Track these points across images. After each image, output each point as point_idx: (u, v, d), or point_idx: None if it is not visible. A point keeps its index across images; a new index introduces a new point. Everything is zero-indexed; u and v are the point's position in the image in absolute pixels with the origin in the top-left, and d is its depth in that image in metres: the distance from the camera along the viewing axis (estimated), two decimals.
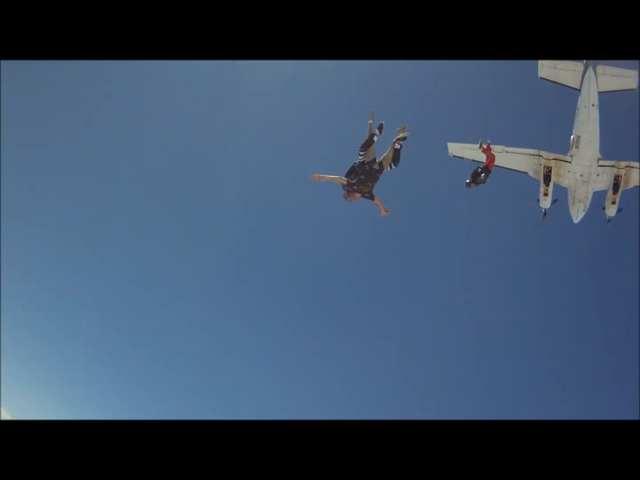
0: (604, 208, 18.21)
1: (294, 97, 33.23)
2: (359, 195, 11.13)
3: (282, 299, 38.10)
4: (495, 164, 16.57)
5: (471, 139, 17.64)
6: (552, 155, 17.78)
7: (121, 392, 38.24)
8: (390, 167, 11.40)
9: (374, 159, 11.26)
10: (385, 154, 11.46)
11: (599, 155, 17.23)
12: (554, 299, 32.97)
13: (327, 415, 33.28)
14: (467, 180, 15.01)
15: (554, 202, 18.47)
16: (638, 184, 17.59)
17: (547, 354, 34.28)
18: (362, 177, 11.02)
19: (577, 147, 17.05)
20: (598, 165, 17.34)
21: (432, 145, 24.02)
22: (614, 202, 17.84)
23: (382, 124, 11.27)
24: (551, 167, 17.76)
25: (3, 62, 22.56)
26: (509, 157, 17.91)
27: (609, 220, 18.31)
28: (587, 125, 16.61)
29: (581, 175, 17.61)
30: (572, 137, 17.18)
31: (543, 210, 18.69)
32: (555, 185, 18.14)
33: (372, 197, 11.31)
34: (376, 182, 11.26)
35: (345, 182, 11.00)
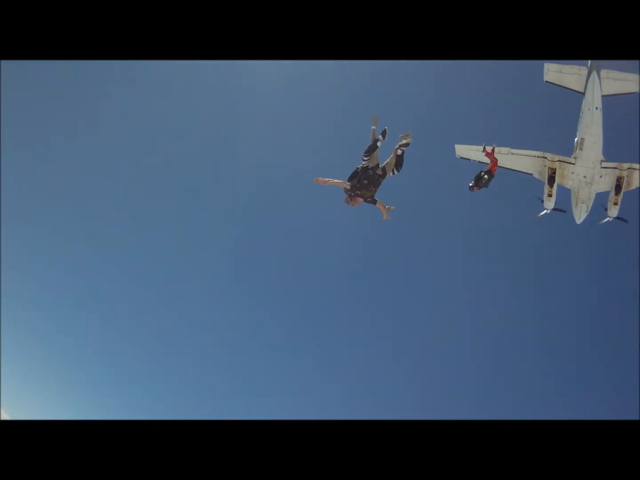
0: (606, 209, 18.46)
1: (294, 97, 33.25)
2: (361, 199, 11.20)
3: (282, 299, 38.14)
4: (501, 165, 17.18)
5: (476, 141, 17.98)
6: (557, 157, 18.12)
7: (121, 392, 38.27)
8: (393, 173, 11.53)
9: (377, 164, 11.33)
10: (388, 160, 11.55)
11: (602, 157, 17.55)
12: (554, 298, 33.01)
13: (327, 415, 33.30)
14: (470, 184, 15.44)
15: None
16: (639, 186, 17.87)
17: (547, 354, 34.31)
18: (365, 182, 11.10)
19: (580, 149, 17.41)
20: (601, 167, 17.67)
21: (435, 146, 24.14)
22: (616, 203, 18.13)
23: (385, 129, 11.37)
24: (555, 169, 18.10)
25: (3, 62, 22.54)
26: (515, 159, 18.28)
27: (607, 219, 18.46)
28: (591, 128, 16.98)
29: (584, 177, 17.94)
30: (576, 139, 17.52)
31: (546, 210, 18.87)
32: (559, 187, 18.44)
33: (374, 202, 11.39)
34: (379, 187, 11.31)
35: (348, 187, 11.06)
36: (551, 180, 18.20)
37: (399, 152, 11.48)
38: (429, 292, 35.38)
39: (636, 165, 17.65)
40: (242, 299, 38.75)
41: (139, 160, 35.13)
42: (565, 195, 18.76)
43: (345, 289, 37.33)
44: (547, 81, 17.48)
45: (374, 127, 11.53)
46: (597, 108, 16.70)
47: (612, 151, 17.69)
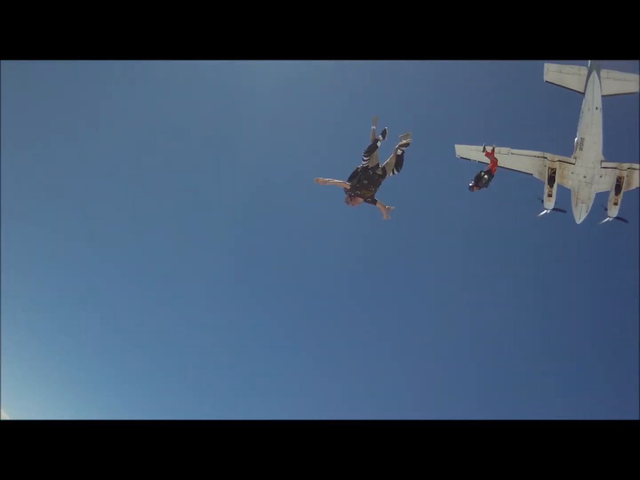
0: (606, 209, 18.50)
1: (294, 97, 33.25)
2: (361, 199, 11.21)
3: (282, 299, 38.13)
4: (501, 165, 17.29)
5: (476, 141, 18.03)
6: (557, 157, 18.16)
7: (121, 392, 38.27)
8: (393, 173, 11.53)
9: (377, 164, 11.33)
10: (388, 160, 11.56)
11: (602, 157, 17.59)
12: (554, 298, 33.00)
13: (327, 416, 33.30)
14: (470, 184, 15.52)
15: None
16: (639, 186, 17.92)
17: (547, 354, 34.31)
18: (365, 182, 11.11)
19: (580, 149, 17.45)
20: (601, 167, 17.70)
21: (435, 146, 24.16)
22: (616, 203, 18.17)
23: (385, 129, 11.38)
24: (555, 169, 18.14)
25: (3, 62, 22.54)
26: (515, 159, 18.34)
27: (607, 219, 18.51)
28: (591, 128, 17.02)
29: (584, 177, 17.98)
30: (576, 139, 17.55)
31: (546, 210, 18.91)
32: (559, 187, 18.49)
33: (374, 202, 11.40)
34: (379, 187, 11.32)
35: (348, 187, 11.06)
36: (551, 180, 18.25)
37: (399, 152, 11.49)
38: (429, 292, 35.41)
39: (636, 165, 17.68)
40: (242, 299, 38.78)
41: (139, 160, 35.16)
42: (565, 195, 18.80)
43: (345, 289, 37.36)
44: (547, 81, 17.53)
45: (374, 127, 11.54)
46: (597, 108, 16.74)
47: (612, 151, 17.77)
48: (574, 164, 17.82)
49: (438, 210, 31.82)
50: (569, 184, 18.37)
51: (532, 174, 18.59)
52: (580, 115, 17.17)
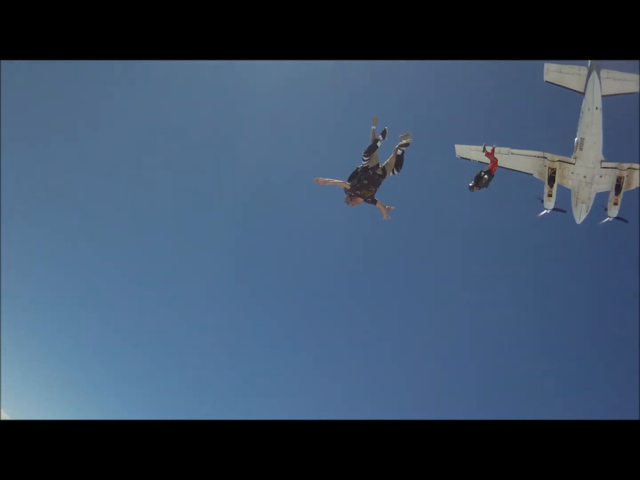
0: (606, 209, 18.53)
1: (294, 97, 33.25)
2: (361, 199, 11.21)
3: (282, 299, 38.13)
4: (501, 165, 17.39)
5: (476, 141, 18.07)
6: (557, 157, 18.19)
7: (121, 392, 38.27)
8: (393, 173, 11.54)
9: (377, 164, 11.33)
10: (388, 160, 11.56)
11: (602, 157, 17.62)
12: (554, 298, 33.00)
13: (327, 416, 33.30)
14: (470, 184, 15.58)
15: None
16: (639, 186, 17.94)
17: (547, 354, 34.31)
18: (365, 182, 11.11)
19: (580, 149, 17.48)
20: (601, 167, 17.73)
21: (435, 146, 24.17)
22: (615, 203, 18.21)
23: (385, 129, 11.38)
24: (555, 169, 18.17)
25: (3, 62, 22.54)
26: (515, 159, 18.38)
27: (607, 219, 18.54)
28: (591, 128, 17.04)
29: (584, 177, 18.01)
30: (576, 139, 17.58)
31: (546, 210, 18.94)
32: (559, 187, 18.52)
33: (374, 202, 11.40)
34: (379, 187, 11.32)
35: (348, 187, 11.06)
36: (551, 180, 18.28)
37: (399, 152, 11.50)
38: (429, 292, 35.40)
39: (636, 165, 17.71)
40: (242, 299, 38.78)
41: (139, 160, 35.17)
42: (565, 195, 18.82)
43: (345, 289, 37.36)
44: (547, 81, 17.56)
45: (374, 127, 11.53)
46: (597, 108, 16.76)
47: (612, 151, 17.80)
48: (574, 164, 17.84)
49: (438, 210, 31.86)
50: (569, 184, 18.40)
51: (532, 174, 18.62)
52: (580, 115, 17.19)
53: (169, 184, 36.56)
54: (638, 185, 17.94)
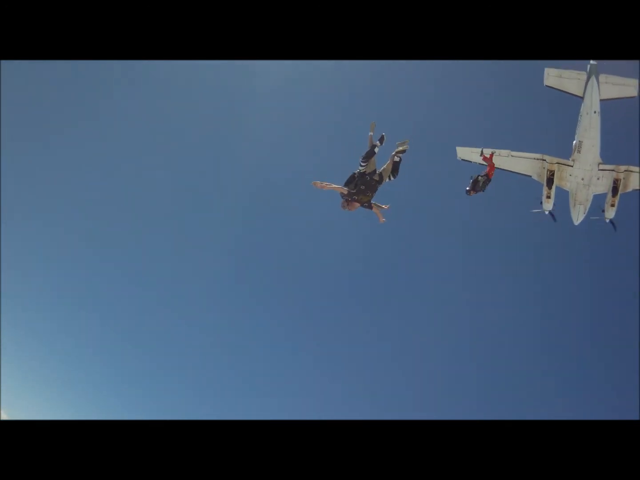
0: (603, 210, 18.78)
1: (294, 97, 33.26)
2: (358, 204, 11.26)
3: (282, 299, 38.13)
4: (501, 167, 17.89)
5: (476, 142, 18.37)
6: (555, 160, 18.41)
7: (121, 392, 38.25)
8: (389, 179, 11.60)
9: (375, 170, 11.38)
10: (385, 166, 11.63)
11: (599, 159, 17.84)
12: (554, 298, 33.01)
13: (327, 416, 33.30)
14: (467, 188, 15.78)
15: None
16: (636, 188, 18.20)
17: (547, 354, 34.31)
18: (363, 187, 11.15)
19: (579, 152, 17.72)
20: (598, 169, 17.97)
21: (435, 146, 24.17)
22: (613, 205, 18.49)
23: (383, 135, 11.46)
24: (554, 171, 18.42)
25: (3, 62, 22.55)
26: (515, 161, 18.62)
27: (611, 222, 18.70)
28: (589, 131, 17.30)
29: (582, 179, 18.23)
30: (574, 142, 17.79)
31: (546, 212, 19.13)
32: (557, 188, 18.74)
33: (370, 207, 11.46)
34: (375, 192, 11.38)
35: (346, 192, 11.11)
36: (550, 182, 18.53)
37: (396, 158, 11.58)
38: (429, 293, 35.40)
39: (633, 168, 17.95)
40: (242, 299, 38.74)
41: (139, 160, 35.12)
42: (563, 196, 18.98)
43: (345, 289, 37.33)
44: (547, 85, 17.82)
45: (372, 133, 11.56)
46: (595, 112, 17.01)
47: (610, 154, 18.01)
48: (572, 166, 18.09)
49: (438, 211, 31.85)
50: (567, 185, 18.63)
51: (531, 176, 18.84)
52: (579, 118, 17.41)
53: (169, 184, 36.56)
54: (634, 188, 18.19)
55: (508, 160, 18.39)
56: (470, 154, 18.42)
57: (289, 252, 36.16)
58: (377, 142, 11.38)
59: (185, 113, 34.11)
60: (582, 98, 17.29)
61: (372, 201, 11.40)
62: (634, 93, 17.16)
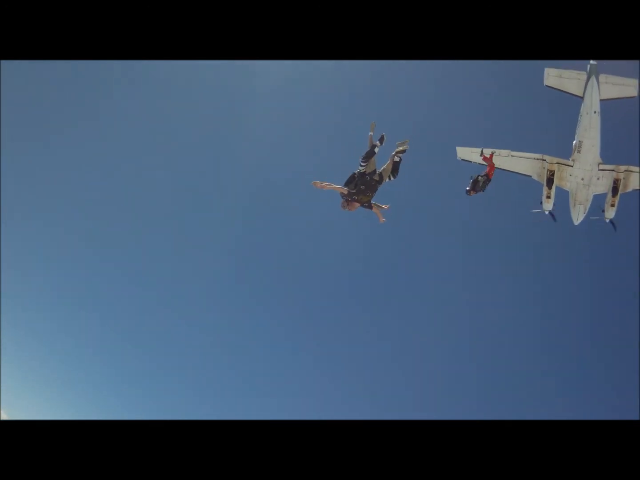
0: (603, 210, 18.80)
1: (294, 97, 33.27)
2: (358, 204, 11.27)
3: (282, 299, 38.13)
4: (501, 167, 17.96)
5: (476, 142, 18.39)
6: (555, 160, 18.41)
7: (121, 392, 38.25)
8: (389, 179, 11.61)
9: (375, 170, 11.38)
10: (385, 166, 11.63)
11: (599, 159, 17.85)
12: (554, 298, 33.02)
13: (327, 416, 33.30)
14: (467, 188, 15.87)
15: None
16: (636, 188, 18.21)
17: (547, 354, 34.31)
18: (363, 187, 11.16)
19: (579, 152, 17.73)
20: (598, 169, 17.98)
21: (435, 146, 24.17)
22: (613, 205, 18.49)
23: (383, 135, 11.46)
24: (554, 171, 18.43)
25: (3, 62, 22.55)
26: (515, 161, 18.64)
27: (611, 222, 18.72)
28: (589, 131, 17.30)
29: (582, 179, 18.24)
30: (574, 142, 17.80)
31: (546, 212, 19.16)
32: (557, 188, 18.76)
33: (370, 207, 11.46)
34: (375, 192, 11.38)
35: (346, 192, 11.11)
36: (550, 182, 18.54)
37: (396, 158, 11.58)
38: (429, 293, 35.40)
39: (633, 168, 17.96)
40: (242, 299, 38.74)
41: (139, 160, 35.12)
42: (563, 196, 18.98)
43: (345, 289, 37.33)
44: (547, 85, 17.84)
45: (372, 133, 11.56)
46: (595, 112, 17.02)
47: (610, 154, 18.02)
48: (572, 166, 18.09)
49: (438, 211, 31.86)
50: (567, 185, 18.64)
51: (531, 176, 18.86)
52: (579, 118, 17.42)
53: (169, 184, 36.56)
54: (634, 188, 18.20)
55: (508, 160, 18.42)
56: (470, 154, 18.45)
57: (289, 252, 36.17)
58: (377, 142, 11.39)
59: (185, 113, 34.13)
60: (582, 98, 17.30)
61: (372, 201, 11.41)
62: (634, 93, 17.19)
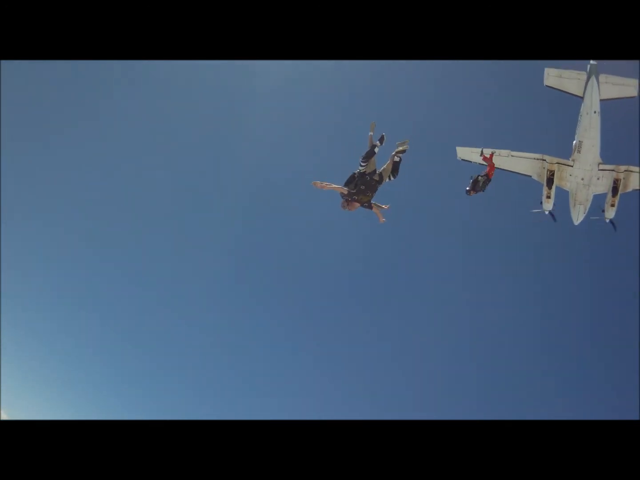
0: (603, 210, 18.83)
1: (294, 97, 33.27)
2: (358, 204, 11.28)
3: (282, 299, 38.13)
4: (501, 167, 18.04)
5: (476, 142, 18.43)
6: (555, 160, 18.45)
7: (121, 392, 38.25)
8: (389, 179, 11.61)
9: (375, 170, 11.39)
10: (384, 166, 11.64)
11: (599, 159, 17.88)
12: (554, 298, 33.02)
13: (327, 416, 33.29)
14: (467, 188, 15.92)
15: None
16: (636, 188, 18.24)
17: (547, 354, 34.31)
18: (363, 187, 11.17)
19: (579, 152, 17.75)
20: (598, 169, 18.01)
21: (435, 146, 24.17)
22: (613, 205, 18.54)
23: (383, 135, 11.47)
24: (554, 171, 18.47)
25: (3, 62, 22.55)
26: (515, 161, 18.69)
27: (611, 222, 18.78)
28: (589, 132, 17.34)
29: (582, 179, 18.27)
30: (574, 142, 17.83)
31: (546, 212, 19.19)
32: (557, 188, 18.79)
33: (370, 207, 11.47)
34: (375, 192, 11.39)
35: (346, 192, 11.12)
36: (550, 182, 18.57)
37: (396, 158, 11.58)
38: (429, 293, 35.41)
39: (633, 168, 17.98)
40: (242, 299, 38.74)
41: (139, 160, 35.12)
42: (563, 196, 18.99)
43: (345, 289, 37.33)
44: (547, 85, 17.86)
45: (372, 133, 11.57)
46: (595, 112, 17.04)
47: (610, 154, 18.05)
48: (572, 166, 18.12)
49: (438, 211, 31.86)
50: (567, 185, 18.67)
51: (531, 176, 18.89)
52: (579, 118, 17.44)
53: (169, 184, 36.56)
54: (634, 188, 18.23)
55: (508, 160, 18.46)
56: (470, 154, 18.48)
57: (289, 252, 36.17)
58: (377, 142, 11.39)
59: (185, 113, 34.13)
60: (582, 98, 17.32)
61: (372, 201, 11.41)
62: (634, 93, 17.22)
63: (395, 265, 35.33)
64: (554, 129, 24.20)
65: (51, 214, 36.46)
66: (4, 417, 30.01)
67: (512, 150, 18.48)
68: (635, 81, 17.07)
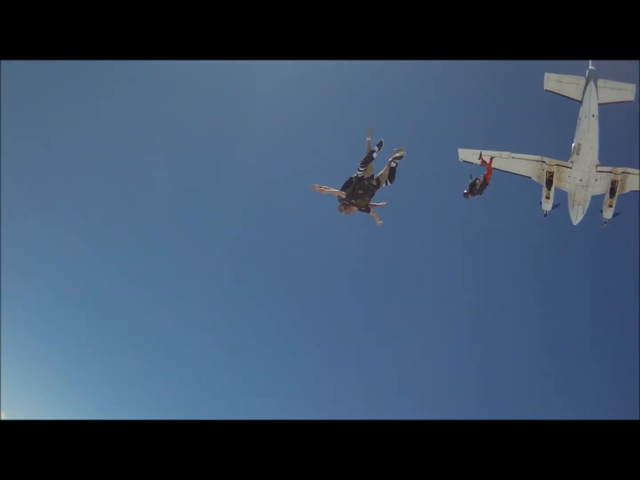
0: (601, 211, 19.08)
1: (294, 97, 33.28)
2: (355, 208, 11.40)
3: (282, 299, 38.14)
4: (502, 168, 18.35)
5: (476, 144, 18.65)
6: (554, 161, 18.70)
7: (121, 392, 38.25)
8: (386, 184, 11.70)
9: (372, 175, 11.50)
10: (381, 171, 11.72)
11: (597, 161, 18.14)
12: (553, 299, 33.03)
13: (327, 416, 33.30)
14: (465, 191, 16.08)
15: (555, 206, 19.28)
16: (633, 189, 18.48)
17: (547, 354, 34.32)
18: (360, 192, 11.29)
19: (577, 154, 18.03)
20: (597, 171, 18.27)
21: (435, 146, 24.20)
22: (610, 206, 18.81)
23: (381, 141, 11.54)
24: (553, 172, 18.73)
25: (3, 62, 22.56)
26: (515, 163, 18.94)
27: (605, 222, 19.03)
28: (588, 134, 17.62)
29: (581, 180, 18.54)
30: (573, 144, 18.09)
31: (544, 212, 19.33)
32: (556, 189, 19.05)
33: (367, 210, 11.58)
34: (373, 196, 11.50)
35: (344, 196, 11.22)
36: (549, 183, 18.82)
37: (393, 164, 11.64)
38: (429, 293, 35.42)
39: (630, 170, 18.24)
40: (242, 299, 38.76)
41: (139, 160, 35.13)
42: (562, 198, 19.27)
43: (345, 289, 37.35)
44: (546, 90, 18.14)
45: (369, 139, 11.62)
46: (593, 115, 17.34)
47: (608, 156, 18.35)
48: (570, 168, 18.38)
49: (438, 211, 31.87)
50: (566, 187, 18.93)
51: (530, 177, 19.14)
52: (578, 122, 17.73)
53: (169, 184, 36.57)
54: (632, 189, 18.47)
55: (509, 161, 18.72)
56: (472, 155, 18.69)
57: (289, 252, 36.17)
58: (376, 147, 11.47)
59: (185, 113, 34.15)
60: (580, 102, 17.62)
61: (370, 206, 11.51)
62: (631, 97, 17.55)
63: (395, 266, 35.36)
64: (553, 131, 24.31)
65: (51, 214, 36.49)
66: (4, 417, 30.00)
67: (512, 152, 18.72)
68: (633, 86, 17.39)
